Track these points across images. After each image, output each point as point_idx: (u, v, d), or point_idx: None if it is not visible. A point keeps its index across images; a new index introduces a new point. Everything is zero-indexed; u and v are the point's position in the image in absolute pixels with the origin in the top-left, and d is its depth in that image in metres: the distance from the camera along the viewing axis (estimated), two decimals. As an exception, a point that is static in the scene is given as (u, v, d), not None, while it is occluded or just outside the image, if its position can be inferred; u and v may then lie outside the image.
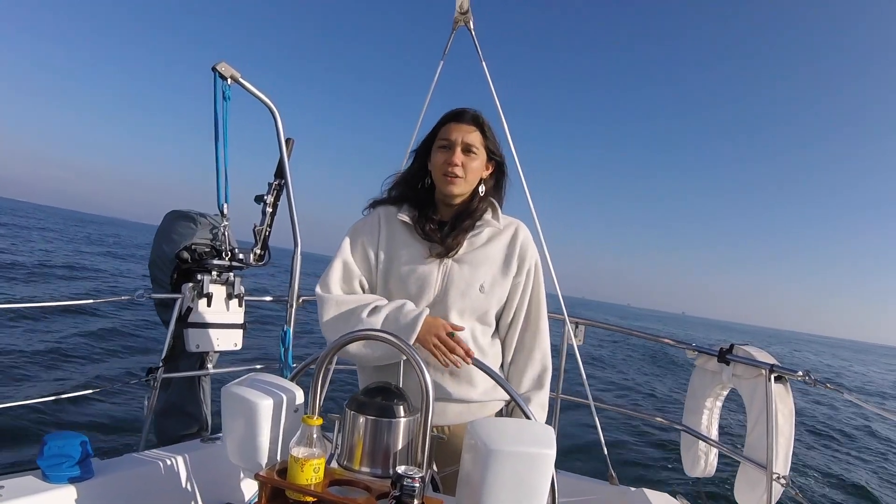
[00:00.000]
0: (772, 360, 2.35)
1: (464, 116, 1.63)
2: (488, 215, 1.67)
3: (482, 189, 1.68)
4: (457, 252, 1.62)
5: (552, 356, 1.75)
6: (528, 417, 1.43)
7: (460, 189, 1.62)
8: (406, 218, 1.65)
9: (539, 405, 1.68)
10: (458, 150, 1.59)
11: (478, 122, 1.63)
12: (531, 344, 1.71)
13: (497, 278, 1.65)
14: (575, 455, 5.47)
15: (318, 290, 1.63)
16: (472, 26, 2.87)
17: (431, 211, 1.67)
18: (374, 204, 1.74)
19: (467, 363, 1.47)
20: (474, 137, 1.61)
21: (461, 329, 1.54)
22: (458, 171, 1.59)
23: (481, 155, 1.63)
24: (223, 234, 2.53)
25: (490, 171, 1.70)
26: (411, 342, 1.45)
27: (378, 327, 1.48)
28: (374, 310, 1.54)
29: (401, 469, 1.14)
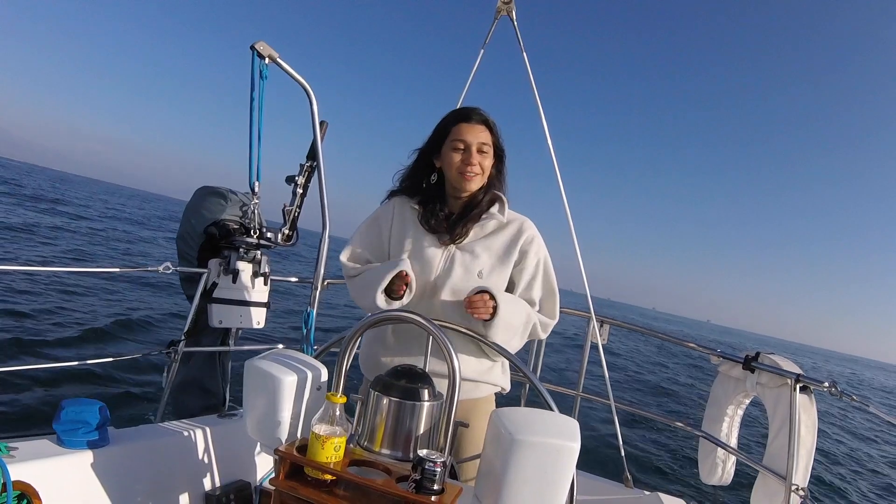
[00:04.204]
0: (797, 370, 2.31)
1: (473, 117, 1.76)
2: (495, 209, 1.79)
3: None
4: (462, 240, 1.76)
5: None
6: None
7: (478, 184, 1.77)
8: (417, 206, 1.83)
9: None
10: (475, 151, 1.73)
11: (487, 123, 1.77)
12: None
13: (496, 266, 1.75)
14: (591, 454, 5.42)
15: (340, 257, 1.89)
16: (514, 16, 2.85)
17: (439, 206, 1.80)
18: (392, 194, 1.92)
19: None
20: (486, 136, 1.75)
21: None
22: (477, 169, 1.74)
23: (491, 151, 1.78)
24: (253, 211, 2.53)
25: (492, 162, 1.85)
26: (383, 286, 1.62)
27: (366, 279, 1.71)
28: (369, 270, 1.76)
29: (423, 453, 1.13)
